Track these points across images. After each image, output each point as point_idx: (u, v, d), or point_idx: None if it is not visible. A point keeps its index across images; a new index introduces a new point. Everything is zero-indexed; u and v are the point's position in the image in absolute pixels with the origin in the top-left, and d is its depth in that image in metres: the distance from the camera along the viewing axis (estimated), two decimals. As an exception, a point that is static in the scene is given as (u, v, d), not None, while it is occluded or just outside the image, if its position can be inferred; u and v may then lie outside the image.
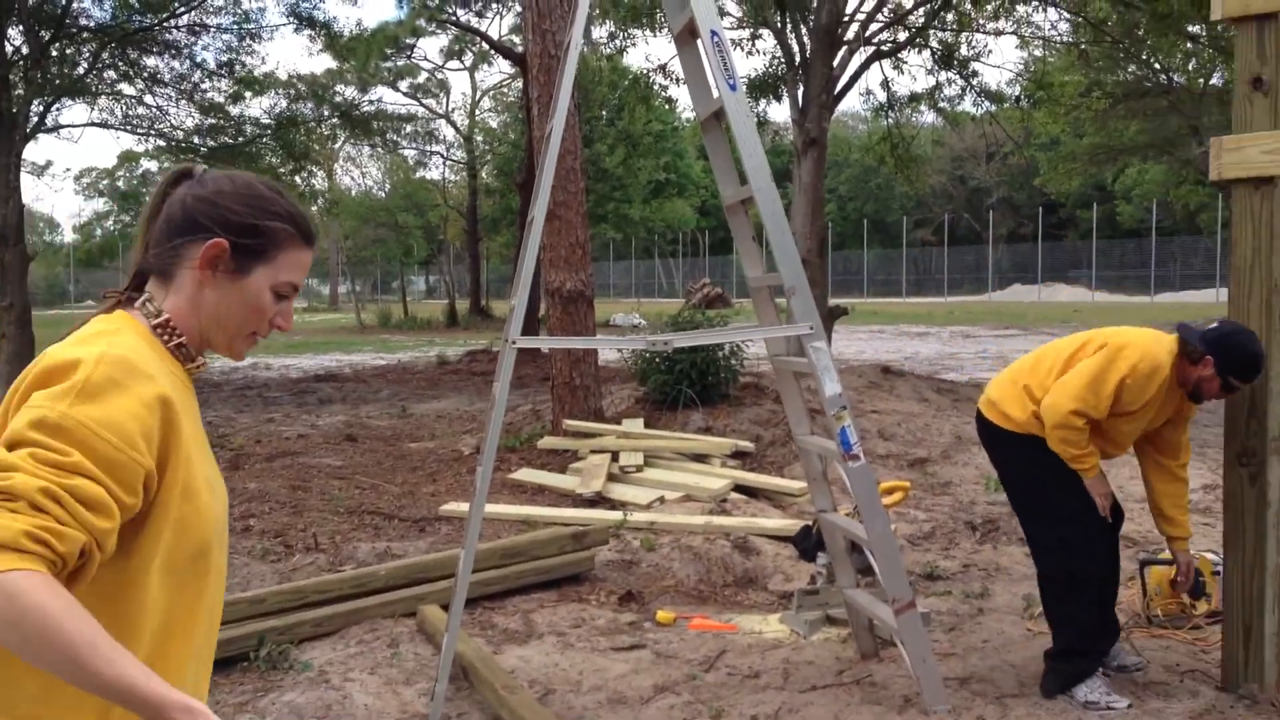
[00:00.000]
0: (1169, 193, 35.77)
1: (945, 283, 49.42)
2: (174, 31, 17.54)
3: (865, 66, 14.19)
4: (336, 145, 37.78)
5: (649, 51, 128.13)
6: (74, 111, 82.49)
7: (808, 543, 5.64)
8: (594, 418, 9.50)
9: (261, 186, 1.69)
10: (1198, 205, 37.11)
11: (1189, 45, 14.93)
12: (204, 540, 1.57)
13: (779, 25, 14.18)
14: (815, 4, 13.32)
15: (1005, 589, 5.70)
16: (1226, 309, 4.29)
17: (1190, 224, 42.78)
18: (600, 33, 17.24)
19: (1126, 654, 4.47)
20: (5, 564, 1.30)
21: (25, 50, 15.08)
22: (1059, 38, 14.86)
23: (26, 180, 34.72)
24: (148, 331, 1.62)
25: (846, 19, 13.63)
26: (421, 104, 36.85)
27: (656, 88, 17.48)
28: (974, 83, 15.07)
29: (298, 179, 19.97)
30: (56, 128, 17.76)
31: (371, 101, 26.98)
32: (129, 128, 18.64)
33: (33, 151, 73.61)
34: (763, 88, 15.35)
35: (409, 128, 31.66)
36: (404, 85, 34.11)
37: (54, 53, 15.67)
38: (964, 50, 14.89)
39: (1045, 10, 14.37)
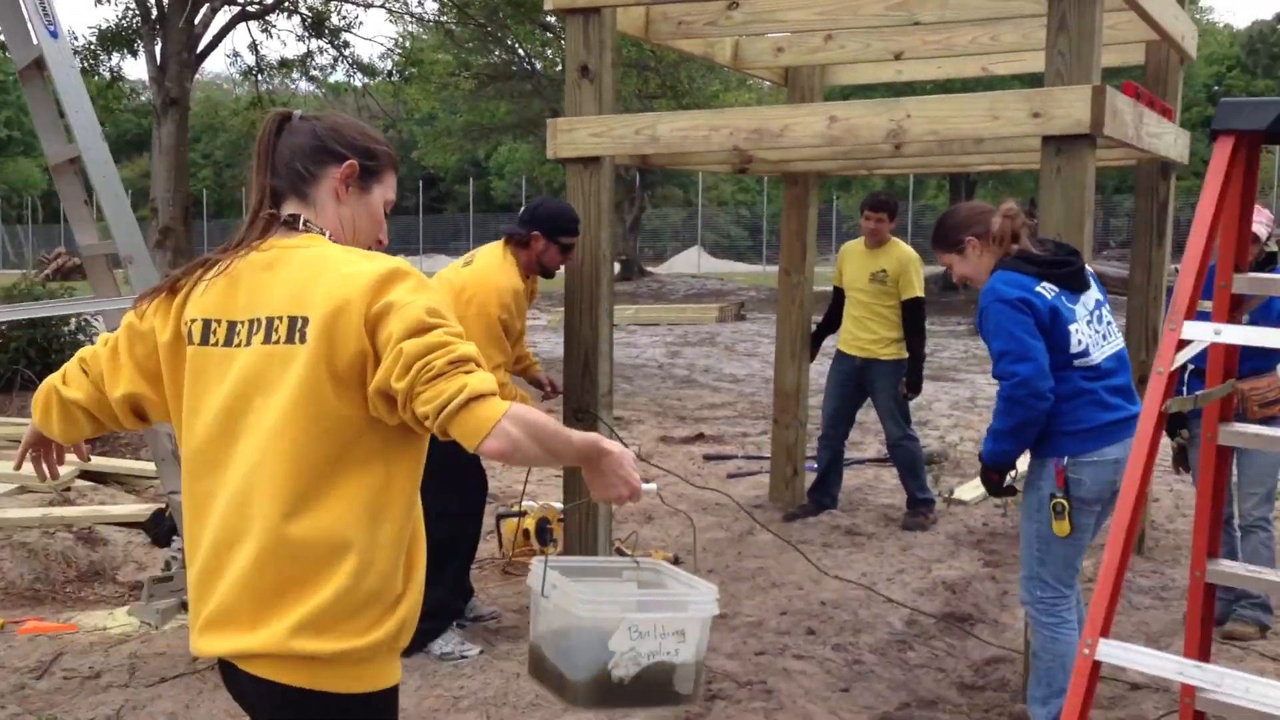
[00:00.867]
0: (535, 170, 38.80)
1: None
2: None
3: (231, 26, 13.54)
4: None
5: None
6: None
7: (160, 527, 5.28)
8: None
9: (360, 122, 2.05)
10: (560, 183, 40.63)
11: (547, 34, 16.24)
12: None
13: (134, -30, 13.04)
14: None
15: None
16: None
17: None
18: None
19: (482, 606, 4.75)
20: (504, 404, 1.73)
21: None
22: (426, 16, 15.36)
23: None
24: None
25: (208, -28, 12.89)
26: None
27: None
28: (346, 53, 15.07)
29: None
30: None
31: None
32: None
33: None
34: (115, 41, 14.02)
35: None
36: None
37: None
38: (335, 19, 14.81)
39: (414, -14, 14.80)
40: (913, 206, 36.87)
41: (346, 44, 14.94)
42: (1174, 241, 5.67)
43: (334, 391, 1.80)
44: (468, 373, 1.72)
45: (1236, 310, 2.31)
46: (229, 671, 1.95)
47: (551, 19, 14.58)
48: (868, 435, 8.69)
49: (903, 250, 6.26)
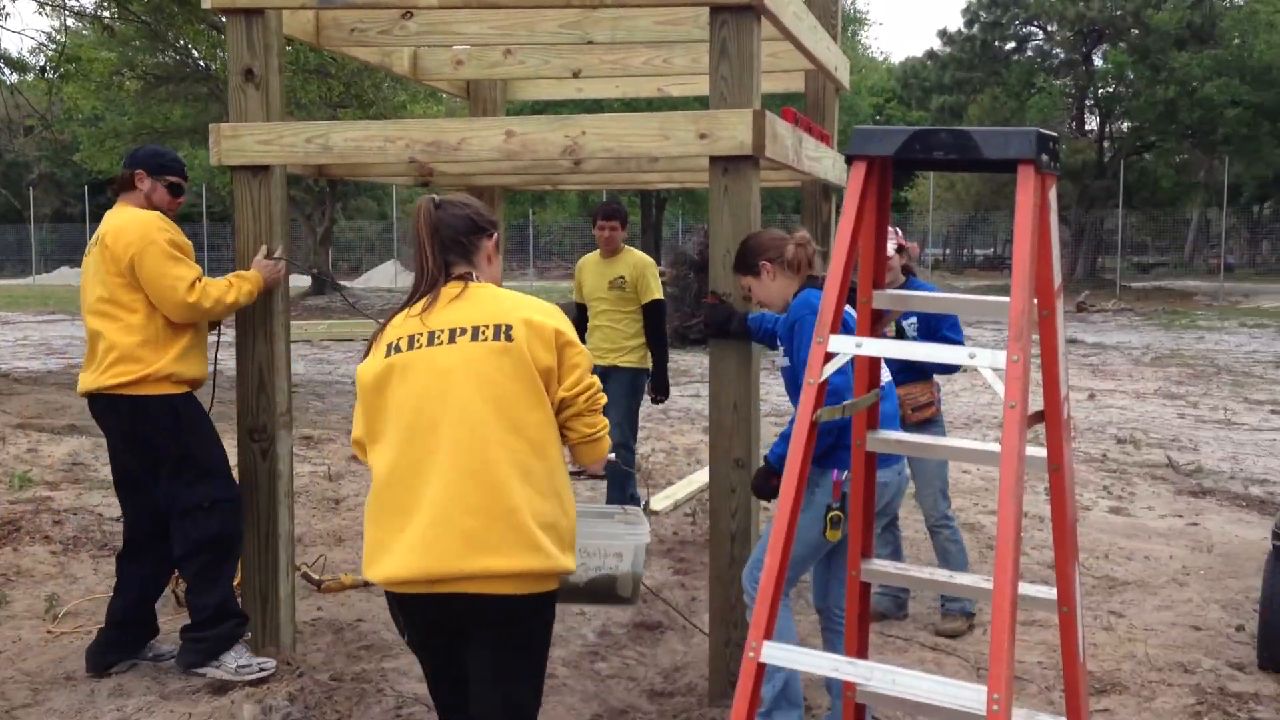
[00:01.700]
0: (216, 178, 36.72)
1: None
2: None
3: None
4: None
5: None
6: None
7: None
8: None
9: (479, 201, 2.89)
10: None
11: (220, 35, 15.35)
12: None
13: None
14: None
15: (26, 593, 5.26)
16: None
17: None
18: None
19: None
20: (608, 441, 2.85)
21: None
22: (82, 8, 14.16)
23: None
24: None
25: None
26: None
27: None
28: (-9, 45, 13.66)
29: None
30: None
31: None
32: None
33: None
34: None
35: None
36: None
37: None
38: (-24, 8, 13.36)
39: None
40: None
41: (-10, 36, 13.54)
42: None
43: (530, 376, 2.63)
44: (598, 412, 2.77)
45: (877, 324, 2.47)
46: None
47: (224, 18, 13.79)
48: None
49: (638, 256, 6.40)
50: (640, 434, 10.18)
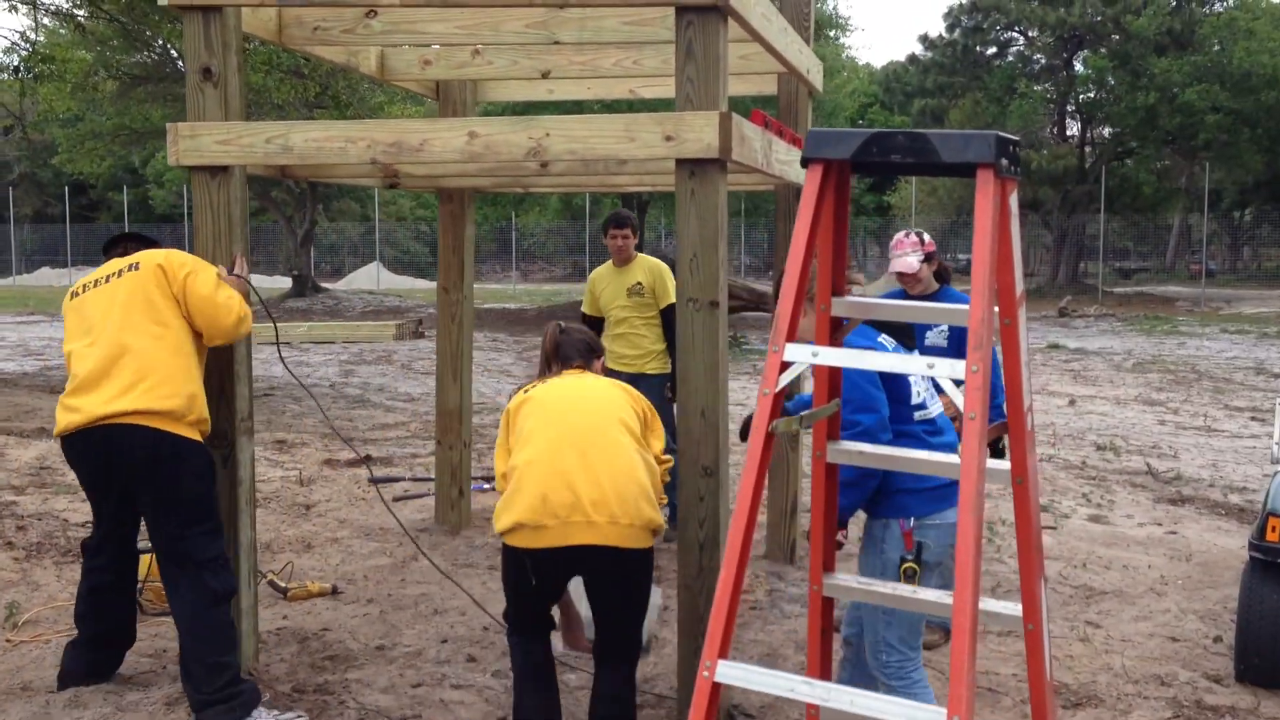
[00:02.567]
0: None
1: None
2: None
3: None
4: None
5: None
6: None
7: None
8: None
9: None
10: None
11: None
12: None
13: None
14: None
15: None
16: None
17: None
18: None
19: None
20: None
21: None
22: (54, 6, 13.97)
23: None
24: None
25: None
26: None
27: None
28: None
29: None
30: None
31: None
32: None
33: None
34: None
35: None
36: None
37: None
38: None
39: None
40: (590, 226, 37.71)
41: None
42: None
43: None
44: None
45: (837, 332, 2.39)
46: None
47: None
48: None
49: (652, 262, 6.37)
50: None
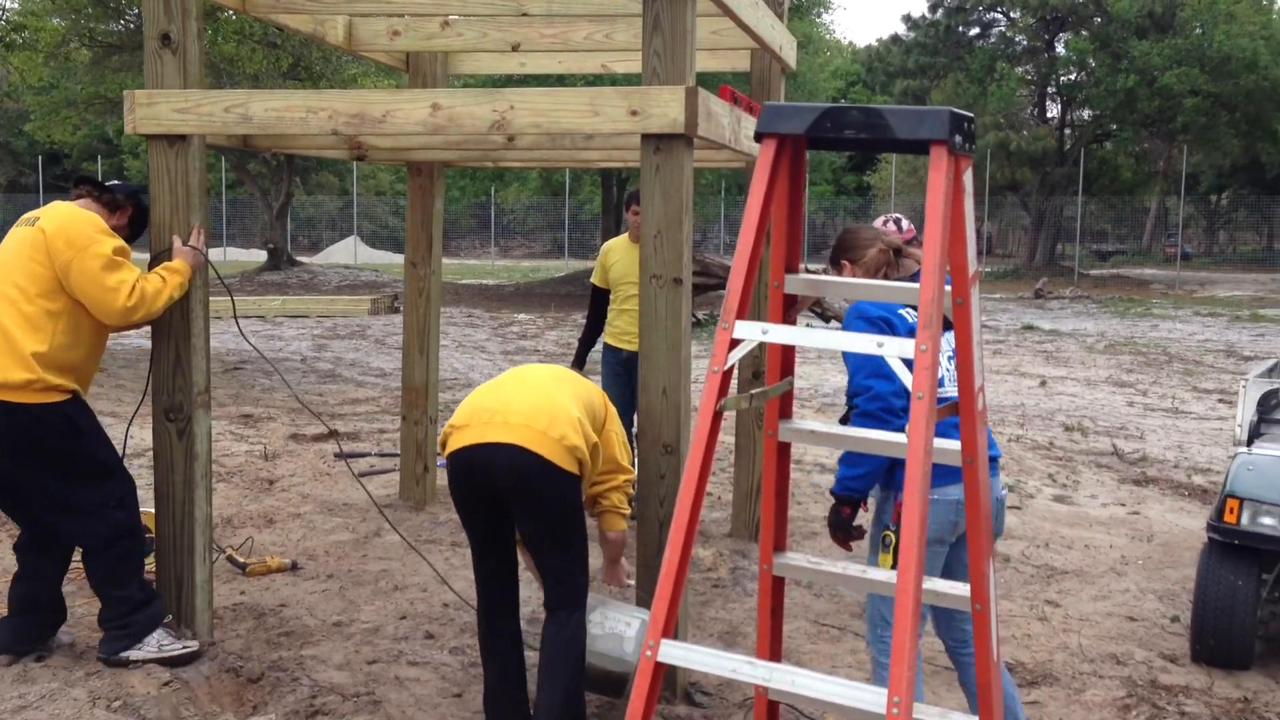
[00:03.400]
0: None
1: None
2: None
3: None
4: None
5: None
6: None
7: None
8: None
9: None
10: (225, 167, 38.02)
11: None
12: None
13: None
14: None
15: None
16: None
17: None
18: None
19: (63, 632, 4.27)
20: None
21: None
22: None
23: None
24: None
25: None
26: None
27: None
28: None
29: None
30: None
31: None
32: None
33: None
34: None
35: None
36: None
37: None
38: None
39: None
40: (570, 202, 37.56)
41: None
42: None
43: None
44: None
45: (790, 310, 2.37)
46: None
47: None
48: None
49: None
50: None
